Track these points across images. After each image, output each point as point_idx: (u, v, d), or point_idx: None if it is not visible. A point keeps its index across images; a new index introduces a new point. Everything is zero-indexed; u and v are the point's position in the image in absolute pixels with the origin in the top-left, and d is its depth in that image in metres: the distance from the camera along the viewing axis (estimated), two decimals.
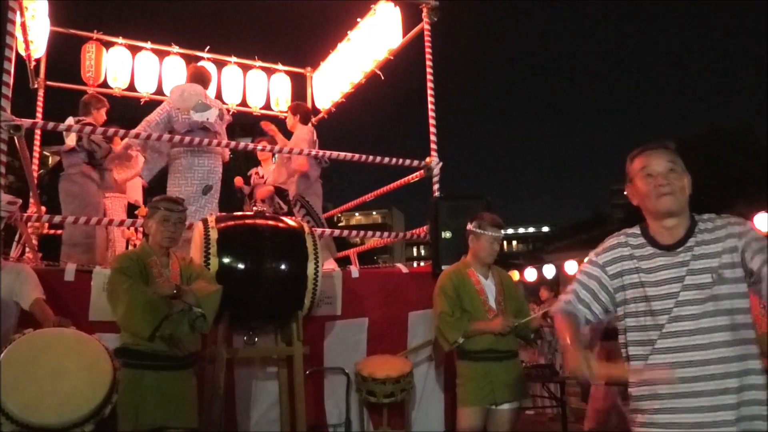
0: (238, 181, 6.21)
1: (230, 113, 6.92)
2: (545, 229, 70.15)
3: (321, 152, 5.06)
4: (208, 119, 4.62)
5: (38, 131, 5.88)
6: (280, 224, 3.80)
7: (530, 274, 13.40)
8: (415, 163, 5.07)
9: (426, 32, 5.27)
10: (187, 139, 4.51)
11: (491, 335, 3.47)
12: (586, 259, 2.08)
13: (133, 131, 4.50)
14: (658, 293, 1.86)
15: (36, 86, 6.17)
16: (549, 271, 13.28)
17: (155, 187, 5.15)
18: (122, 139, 4.92)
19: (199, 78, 4.99)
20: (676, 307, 1.82)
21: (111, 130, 4.52)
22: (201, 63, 6.67)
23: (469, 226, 3.64)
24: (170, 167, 4.77)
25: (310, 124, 5.65)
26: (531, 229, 74.97)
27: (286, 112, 7.16)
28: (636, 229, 2.00)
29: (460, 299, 3.56)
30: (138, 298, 2.85)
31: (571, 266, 12.97)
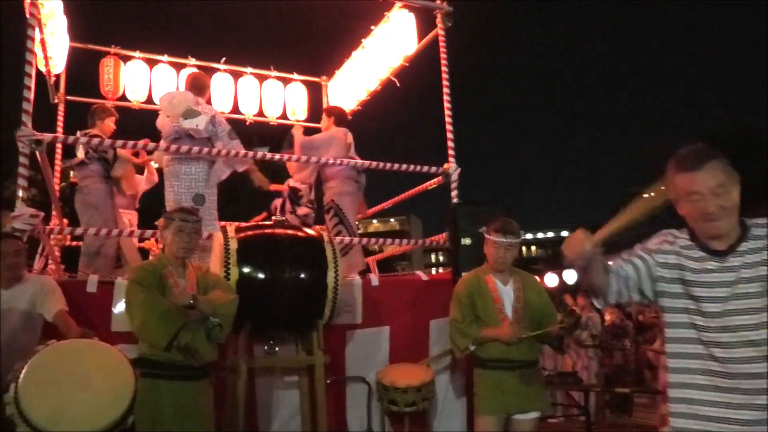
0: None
1: (248, 124, 6.99)
2: (564, 233, 69.62)
3: (339, 160, 5.05)
4: (197, 126, 4.54)
5: (59, 145, 5.96)
6: (299, 233, 3.79)
7: (551, 280, 13.26)
8: (433, 169, 5.05)
9: (440, 38, 5.27)
10: (173, 147, 4.45)
11: (501, 344, 3.40)
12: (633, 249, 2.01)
13: (141, 143, 4.57)
14: (707, 295, 1.81)
15: (56, 101, 6.25)
16: (570, 276, 13.12)
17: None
18: (132, 149, 4.97)
19: (194, 84, 4.92)
20: (726, 315, 1.76)
21: (119, 142, 4.57)
22: (218, 74, 6.74)
23: (482, 231, 3.64)
24: (164, 176, 4.72)
25: (344, 126, 5.60)
26: (550, 234, 74.38)
27: (303, 121, 7.24)
28: (684, 233, 1.94)
29: (474, 306, 3.52)
30: (154, 308, 2.86)
31: None
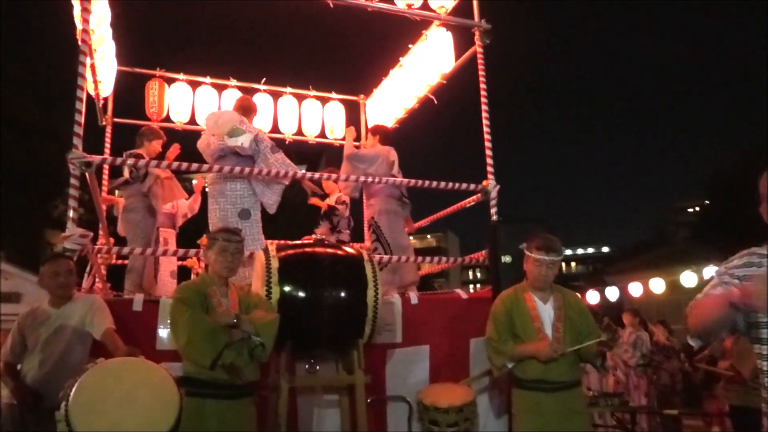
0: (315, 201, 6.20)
1: (287, 143, 7.09)
2: (605, 249, 68.25)
3: (378, 178, 5.07)
4: (242, 144, 4.65)
5: (107, 166, 6.13)
6: (339, 252, 3.80)
7: (592, 297, 12.96)
8: (472, 186, 5.02)
9: (479, 55, 5.27)
10: (216, 167, 4.58)
11: (539, 364, 3.30)
12: (715, 272, 1.94)
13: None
14: None
15: (104, 123, 6.45)
16: (612, 293, 12.81)
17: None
18: (171, 169, 5.09)
19: (241, 106, 5.06)
20: None
21: (162, 162, 4.70)
22: (258, 95, 6.87)
23: (521, 247, 3.55)
24: (209, 194, 4.85)
25: (388, 145, 5.64)
26: (590, 250, 72.98)
27: (342, 139, 7.32)
28: (764, 249, 1.86)
29: (512, 324, 3.44)
30: (199, 327, 2.90)
31: (635, 288, 12.49)
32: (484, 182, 4.99)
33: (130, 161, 4.71)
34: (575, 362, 3.43)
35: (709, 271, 10.81)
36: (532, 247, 3.46)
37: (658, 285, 11.90)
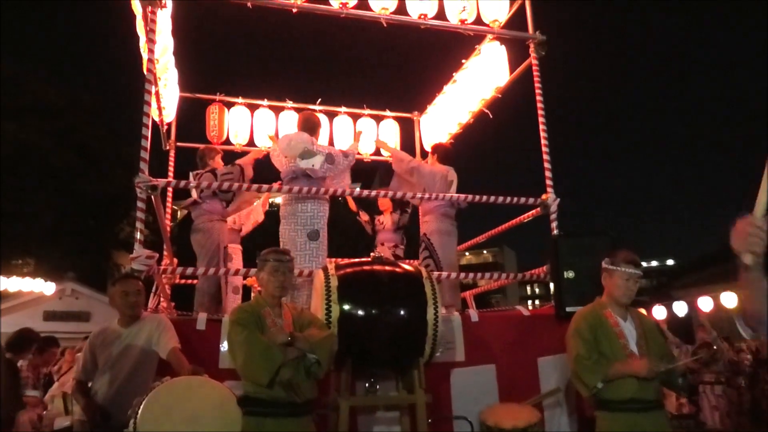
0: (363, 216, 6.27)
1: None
2: (669, 262, 65.73)
3: (435, 194, 5.04)
4: (313, 166, 4.76)
5: (170, 188, 6.34)
6: (398, 269, 3.77)
7: (659, 312, 12.43)
8: (531, 200, 4.92)
9: (534, 67, 5.19)
10: (286, 188, 4.73)
11: (633, 382, 3.11)
12: None
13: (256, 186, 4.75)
14: None
15: (167, 148, 6.69)
16: (680, 308, 12.26)
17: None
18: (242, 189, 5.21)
19: (308, 125, 5.15)
20: None
21: (227, 184, 4.84)
22: None
23: (603, 263, 3.40)
24: (281, 216, 4.98)
25: (448, 164, 5.64)
26: (654, 263, 70.32)
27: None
28: None
29: (597, 342, 3.27)
30: (256, 346, 2.93)
31: (705, 303, 11.87)
32: (544, 195, 4.88)
33: (193, 184, 4.85)
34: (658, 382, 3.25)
35: None
36: (620, 261, 3.32)
37: (730, 299, 11.32)
